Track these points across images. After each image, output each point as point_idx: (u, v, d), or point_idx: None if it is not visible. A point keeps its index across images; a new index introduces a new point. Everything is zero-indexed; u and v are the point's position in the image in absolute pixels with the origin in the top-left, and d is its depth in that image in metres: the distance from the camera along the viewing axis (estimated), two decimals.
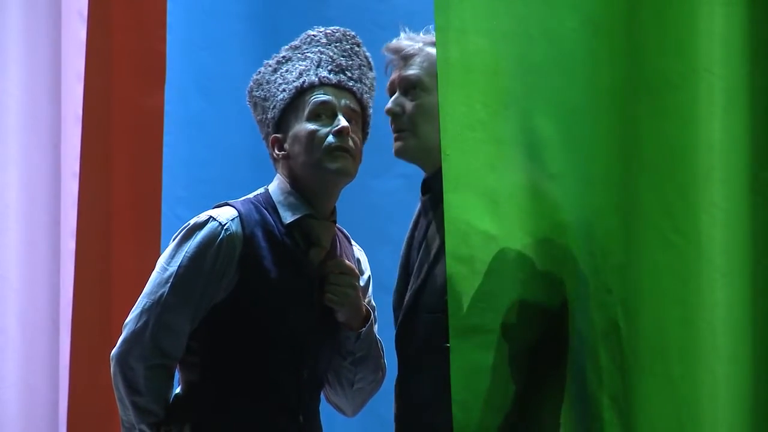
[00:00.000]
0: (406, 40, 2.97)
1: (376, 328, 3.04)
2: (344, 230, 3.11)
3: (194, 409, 2.90)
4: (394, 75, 2.95)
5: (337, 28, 3.07)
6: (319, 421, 3.04)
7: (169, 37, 3.94)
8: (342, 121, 2.92)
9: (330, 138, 2.91)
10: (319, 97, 2.94)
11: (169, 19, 3.94)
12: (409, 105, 2.91)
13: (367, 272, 3.12)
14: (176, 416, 2.90)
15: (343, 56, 2.98)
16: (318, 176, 2.93)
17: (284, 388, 2.91)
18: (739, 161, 2.27)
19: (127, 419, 2.89)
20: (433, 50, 2.91)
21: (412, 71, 2.92)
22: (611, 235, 2.36)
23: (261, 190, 3.00)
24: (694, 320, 2.26)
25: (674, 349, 2.27)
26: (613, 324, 2.34)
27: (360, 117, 2.98)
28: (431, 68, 2.89)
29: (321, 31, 3.05)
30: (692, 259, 2.27)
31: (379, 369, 3.05)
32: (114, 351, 2.87)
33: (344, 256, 3.03)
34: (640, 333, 2.30)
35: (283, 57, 3.03)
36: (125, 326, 2.88)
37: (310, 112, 2.94)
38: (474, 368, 2.46)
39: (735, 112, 2.27)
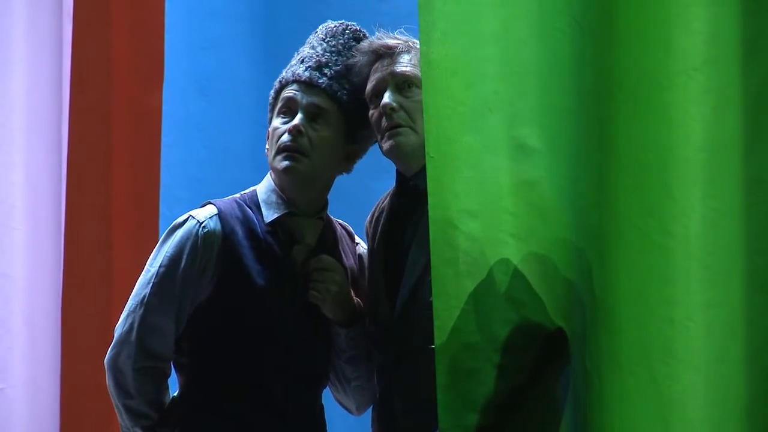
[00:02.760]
0: (389, 39, 2.95)
1: None
2: (349, 227, 3.10)
3: (183, 409, 2.90)
4: (383, 72, 2.91)
5: (343, 22, 3.06)
6: (318, 420, 3.02)
7: (167, 37, 3.94)
8: (294, 120, 2.92)
9: (284, 136, 2.91)
10: (286, 93, 2.95)
11: (168, 19, 3.94)
12: (405, 101, 2.89)
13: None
14: (168, 418, 2.90)
15: (330, 52, 2.98)
16: (276, 175, 2.94)
17: (270, 387, 2.91)
18: (728, 161, 2.25)
19: (123, 423, 2.89)
20: None
21: (407, 68, 2.90)
22: (592, 235, 2.35)
23: (251, 189, 3.01)
24: (682, 320, 2.24)
25: (659, 348, 2.25)
26: (591, 323, 2.33)
27: (332, 114, 2.95)
28: None
29: (325, 26, 3.05)
30: (680, 259, 2.25)
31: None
32: (106, 356, 2.89)
33: (343, 253, 3.02)
34: (618, 332, 2.28)
35: (298, 53, 3.04)
36: (115, 330, 2.89)
37: (278, 109, 2.96)
38: (458, 370, 2.45)
39: (724, 112, 2.25)
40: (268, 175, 3.00)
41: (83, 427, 4.02)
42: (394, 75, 2.90)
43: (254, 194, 2.98)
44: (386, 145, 2.89)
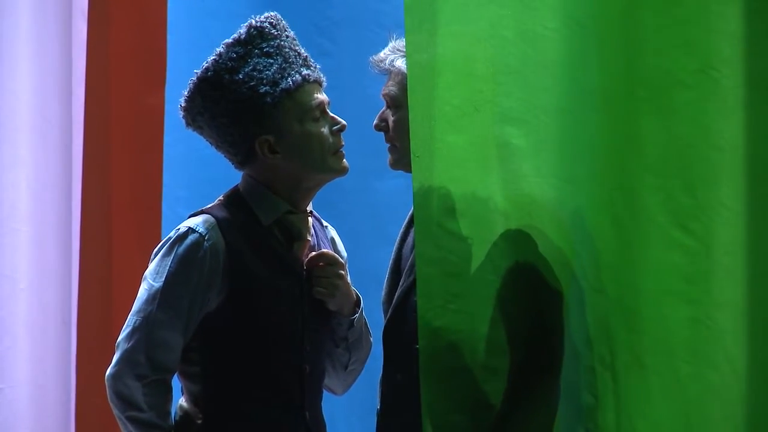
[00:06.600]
0: (384, 53, 2.95)
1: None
2: (315, 212, 3.09)
3: (203, 418, 2.89)
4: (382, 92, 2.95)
5: (271, 15, 3.01)
6: (322, 414, 3.03)
7: (170, 36, 3.94)
8: (342, 120, 2.93)
9: (333, 138, 2.91)
10: (316, 97, 2.92)
11: (170, 18, 3.94)
12: (390, 119, 2.91)
13: (344, 253, 3.10)
14: (185, 428, 2.90)
15: (299, 46, 2.98)
16: (321, 176, 2.93)
17: (288, 386, 2.91)
18: (745, 161, 2.26)
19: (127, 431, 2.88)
20: (402, 64, 2.87)
21: (389, 88, 2.91)
22: (601, 234, 2.34)
23: (229, 193, 2.98)
24: (703, 320, 2.26)
25: (682, 348, 2.27)
26: (602, 324, 2.33)
27: None
28: (403, 82, 2.84)
29: (264, 22, 2.98)
30: (701, 258, 2.27)
31: (369, 346, 3.06)
32: (109, 372, 2.85)
33: (320, 241, 3.03)
34: (641, 332, 2.29)
35: (236, 55, 2.96)
36: (118, 346, 2.86)
37: (310, 113, 2.91)
38: (443, 370, 2.45)
39: (740, 111, 2.26)
40: (247, 177, 2.95)
41: (96, 425, 4.03)
42: (383, 95, 2.93)
43: (240, 198, 2.95)
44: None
